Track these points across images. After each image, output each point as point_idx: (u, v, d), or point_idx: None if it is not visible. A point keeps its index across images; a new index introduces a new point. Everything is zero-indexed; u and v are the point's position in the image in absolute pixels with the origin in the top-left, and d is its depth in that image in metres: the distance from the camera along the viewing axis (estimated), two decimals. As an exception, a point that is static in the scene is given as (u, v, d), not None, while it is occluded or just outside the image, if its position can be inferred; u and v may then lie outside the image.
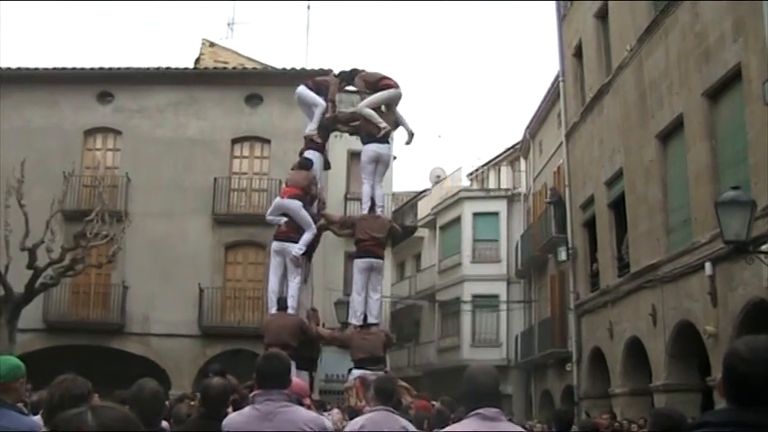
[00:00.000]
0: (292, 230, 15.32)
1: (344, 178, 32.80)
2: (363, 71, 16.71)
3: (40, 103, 30.18)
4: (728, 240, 13.23)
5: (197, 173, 29.73)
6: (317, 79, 16.90)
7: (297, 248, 15.05)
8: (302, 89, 16.69)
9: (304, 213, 15.25)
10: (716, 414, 2.97)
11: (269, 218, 15.95)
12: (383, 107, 16.10)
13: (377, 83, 16.01)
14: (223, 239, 29.79)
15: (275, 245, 15.49)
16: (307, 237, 15.15)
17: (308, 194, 15.59)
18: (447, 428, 5.77)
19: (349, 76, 17.21)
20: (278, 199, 15.83)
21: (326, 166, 17.18)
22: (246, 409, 5.97)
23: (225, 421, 5.95)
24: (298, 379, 9.08)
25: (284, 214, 15.45)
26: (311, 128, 16.29)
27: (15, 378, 5.51)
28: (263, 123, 30.39)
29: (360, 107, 16.17)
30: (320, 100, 16.36)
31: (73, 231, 23.92)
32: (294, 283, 15.15)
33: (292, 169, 16.64)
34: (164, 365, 27.70)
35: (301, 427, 5.81)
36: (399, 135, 19.00)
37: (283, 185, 16.61)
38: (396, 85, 16.03)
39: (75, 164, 28.29)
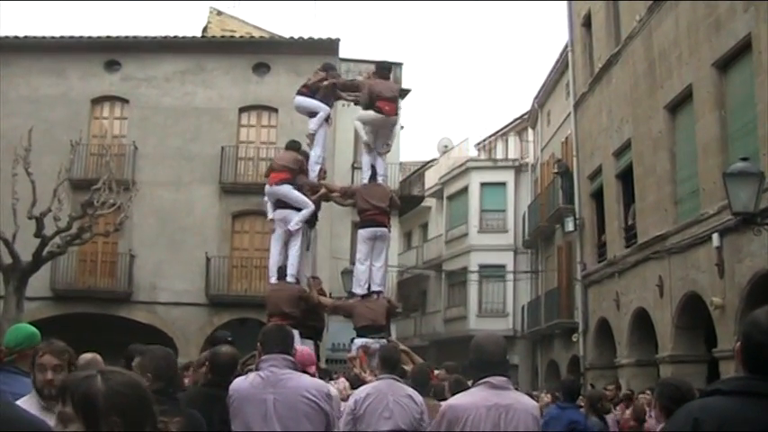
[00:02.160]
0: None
1: (352, 147, 32.73)
2: (387, 68, 16.02)
3: (48, 72, 30.16)
4: (736, 212, 13.21)
5: (204, 142, 29.74)
6: (309, 84, 16.31)
7: (293, 224, 14.87)
8: (299, 99, 16.19)
9: (295, 194, 14.95)
10: (727, 382, 2.95)
11: (268, 206, 15.58)
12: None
13: (374, 98, 15.36)
14: (230, 208, 29.81)
15: (277, 213, 15.27)
16: (304, 213, 14.93)
17: (297, 174, 15.18)
18: (457, 396, 5.78)
19: (331, 67, 16.74)
20: (267, 187, 15.43)
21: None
22: (251, 376, 6.02)
23: (231, 387, 6.01)
24: (305, 347, 9.08)
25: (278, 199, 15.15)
26: (312, 128, 15.89)
27: (31, 346, 5.52)
28: (271, 92, 30.32)
29: (355, 118, 15.88)
30: (323, 105, 15.92)
31: (80, 200, 23.96)
32: (294, 251, 15.04)
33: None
34: (171, 334, 27.81)
35: (304, 393, 5.88)
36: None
37: (272, 169, 15.96)
38: (387, 111, 15.14)
39: (83, 132, 28.35)
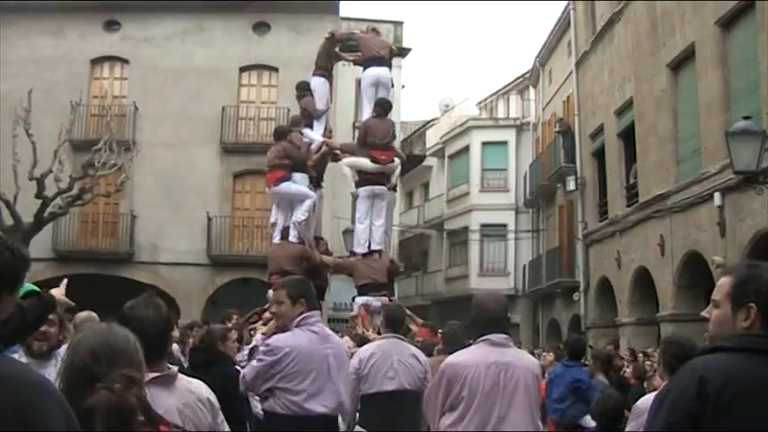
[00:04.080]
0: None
1: (353, 106, 32.64)
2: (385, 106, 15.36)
3: (47, 33, 29.98)
4: (738, 171, 13.22)
5: (205, 102, 29.61)
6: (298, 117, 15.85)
7: (300, 216, 14.67)
8: (296, 179, 15.68)
9: (295, 188, 14.71)
10: (730, 339, 2.95)
11: (275, 206, 15.38)
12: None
13: (367, 143, 14.99)
14: (231, 168, 29.79)
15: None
16: (307, 204, 14.76)
17: (291, 161, 14.85)
18: (456, 353, 5.79)
19: (306, 86, 16.23)
20: (267, 189, 15.26)
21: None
22: (302, 332, 5.94)
23: (281, 343, 5.92)
24: None
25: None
26: (299, 217, 15.49)
27: None
28: (271, 52, 30.20)
29: (343, 162, 15.48)
30: (316, 137, 15.58)
31: (81, 161, 23.98)
32: (298, 211, 14.88)
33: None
34: (173, 294, 27.82)
35: (345, 348, 6.49)
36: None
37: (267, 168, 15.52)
38: (383, 161, 14.61)
39: (83, 93, 28.29)
